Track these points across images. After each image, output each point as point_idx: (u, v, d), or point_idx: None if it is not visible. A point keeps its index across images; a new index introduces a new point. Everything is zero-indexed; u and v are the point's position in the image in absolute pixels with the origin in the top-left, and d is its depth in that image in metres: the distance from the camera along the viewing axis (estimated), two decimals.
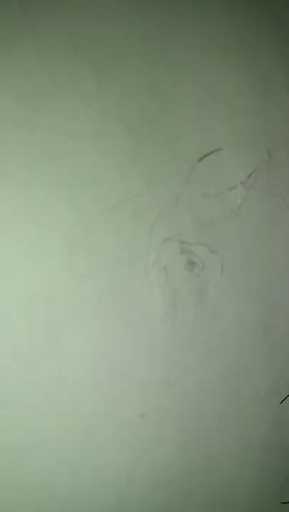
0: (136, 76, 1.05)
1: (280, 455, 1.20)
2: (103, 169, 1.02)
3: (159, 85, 1.07)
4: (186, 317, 1.10)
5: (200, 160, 1.10)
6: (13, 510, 0.97)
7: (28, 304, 0.97)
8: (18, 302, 0.97)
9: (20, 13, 0.95)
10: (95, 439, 1.03)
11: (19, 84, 0.96)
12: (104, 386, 1.03)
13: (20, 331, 0.97)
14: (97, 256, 1.02)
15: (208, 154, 1.11)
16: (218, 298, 1.12)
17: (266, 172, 1.17)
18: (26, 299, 0.97)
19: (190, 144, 1.09)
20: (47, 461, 0.99)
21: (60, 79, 0.99)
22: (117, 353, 1.04)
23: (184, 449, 1.10)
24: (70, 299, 0.99)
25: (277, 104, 1.18)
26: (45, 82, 0.97)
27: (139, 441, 1.06)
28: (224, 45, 1.13)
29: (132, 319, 1.05)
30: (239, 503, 1.17)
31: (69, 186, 0.99)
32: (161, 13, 1.07)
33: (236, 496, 1.16)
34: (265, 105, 1.17)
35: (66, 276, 0.99)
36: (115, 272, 1.03)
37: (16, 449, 0.97)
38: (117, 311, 1.04)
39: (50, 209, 0.98)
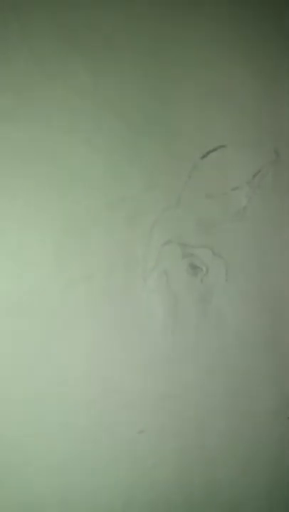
0: (134, 67, 1.02)
1: (288, 476, 1.14)
2: (98, 167, 0.99)
3: (159, 77, 1.04)
4: (188, 327, 1.06)
5: (203, 157, 1.07)
6: None
7: (13, 313, 0.94)
8: (1, 311, 0.94)
9: None
10: (87, 459, 0.99)
11: (4, 74, 0.93)
12: (98, 401, 0.99)
13: (4, 343, 0.94)
14: (89, 261, 0.98)
15: (212, 151, 1.07)
16: (222, 306, 1.08)
17: (273, 172, 1.13)
18: (10, 308, 0.94)
19: (192, 141, 1.06)
20: (33, 483, 0.95)
21: (50, 69, 0.96)
22: (112, 365, 1.00)
23: (184, 471, 1.06)
24: (59, 308, 0.96)
25: (285, 101, 1.14)
26: (33, 72, 0.95)
27: (137, 461, 1.02)
28: (229, 36, 1.10)
29: (128, 329, 1.01)
30: None
31: (59, 185, 0.97)
32: (162, 2, 1.04)
33: None
34: (272, 101, 1.13)
35: (55, 283, 0.96)
36: (110, 278, 1.00)
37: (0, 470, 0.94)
38: (111, 321, 1.00)
39: (37, 209, 0.95)
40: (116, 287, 1.00)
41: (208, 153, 1.07)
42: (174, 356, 1.04)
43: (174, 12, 1.05)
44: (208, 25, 1.07)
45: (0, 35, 0.93)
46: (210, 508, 1.07)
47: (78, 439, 0.98)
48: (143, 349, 1.02)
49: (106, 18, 1.00)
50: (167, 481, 1.04)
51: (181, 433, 1.05)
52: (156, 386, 1.03)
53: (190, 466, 1.06)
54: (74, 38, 0.97)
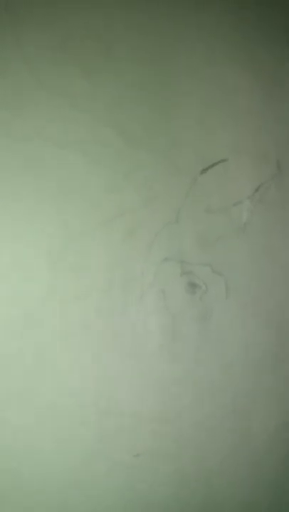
0: (132, 76, 1.00)
1: None
2: (94, 181, 0.97)
3: (157, 87, 1.02)
4: (187, 347, 1.04)
5: (203, 172, 1.05)
6: None
7: (4, 331, 0.92)
8: None
9: (2, 5, 0.91)
10: (82, 481, 0.97)
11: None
12: (93, 423, 0.97)
13: None
14: (85, 277, 0.97)
15: (213, 165, 1.06)
16: (222, 325, 1.06)
17: (275, 186, 1.12)
18: (5, 328, 0.92)
19: (192, 154, 1.05)
20: (27, 507, 0.93)
21: (45, 79, 0.94)
22: (109, 387, 0.98)
23: (181, 494, 1.03)
24: (53, 327, 0.95)
25: (288, 112, 1.13)
26: (28, 82, 0.93)
27: (132, 484, 1.00)
28: (230, 46, 1.08)
29: (124, 349, 0.99)
30: None
31: (55, 199, 0.95)
32: (161, 8, 1.02)
33: None
34: (275, 114, 1.12)
35: (50, 300, 0.95)
36: (106, 295, 0.98)
37: None
38: (108, 340, 0.98)
39: (33, 225, 0.94)
40: (113, 305, 0.98)
41: (209, 167, 1.05)
42: (172, 377, 1.02)
43: (175, 24, 1.03)
44: (209, 38, 1.06)
45: None
46: None
47: (74, 462, 0.96)
48: (139, 370, 1.00)
49: (105, 28, 0.98)
50: (164, 504, 1.02)
51: (180, 455, 1.03)
52: (154, 408, 1.01)
53: (188, 488, 1.04)
54: (71, 49, 0.96)
